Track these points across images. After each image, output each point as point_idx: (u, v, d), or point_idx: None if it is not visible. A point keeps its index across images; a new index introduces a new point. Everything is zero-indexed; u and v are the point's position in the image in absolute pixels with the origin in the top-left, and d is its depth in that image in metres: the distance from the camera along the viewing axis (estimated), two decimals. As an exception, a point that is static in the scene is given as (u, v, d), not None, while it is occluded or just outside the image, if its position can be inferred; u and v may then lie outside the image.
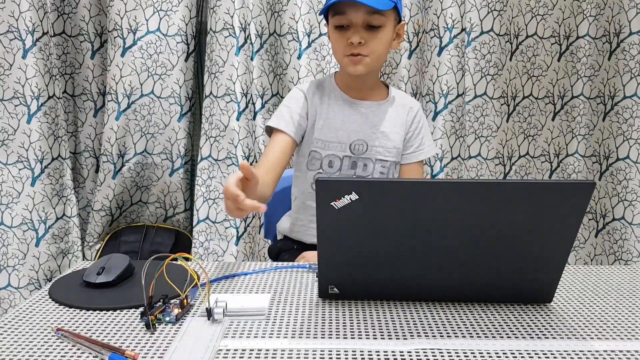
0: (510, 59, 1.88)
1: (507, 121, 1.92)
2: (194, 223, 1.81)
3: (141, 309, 0.80)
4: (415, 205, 0.74)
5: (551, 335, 0.74)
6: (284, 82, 1.85)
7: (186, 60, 1.83)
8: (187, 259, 0.87)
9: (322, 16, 1.25)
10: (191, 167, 1.94)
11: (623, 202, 1.82)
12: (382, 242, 0.78)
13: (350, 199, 0.73)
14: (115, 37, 1.77)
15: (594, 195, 1.93)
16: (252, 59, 1.83)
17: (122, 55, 1.77)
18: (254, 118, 1.86)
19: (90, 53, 1.88)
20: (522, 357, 0.68)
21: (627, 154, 1.80)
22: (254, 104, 1.86)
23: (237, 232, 1.78)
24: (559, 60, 1.92)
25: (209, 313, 0.75)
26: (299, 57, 1.81)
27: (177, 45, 1.80)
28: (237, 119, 1.77)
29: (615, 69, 1.81)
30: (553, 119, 1.96)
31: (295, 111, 1.23)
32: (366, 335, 0.73)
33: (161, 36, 1.78)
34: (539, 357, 0.68)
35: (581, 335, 0.74)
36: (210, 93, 1.80)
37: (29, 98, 1.71)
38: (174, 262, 0.99)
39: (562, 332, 0.75)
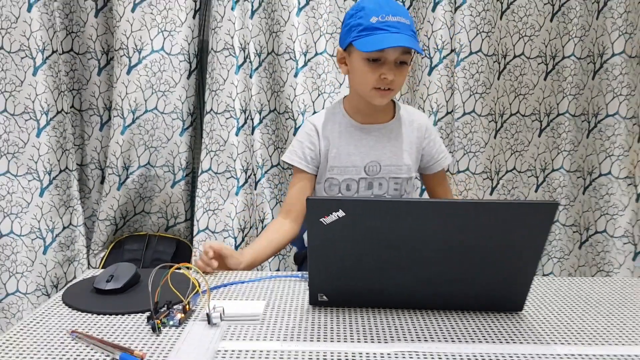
0: (499, 78, 1.97)
1: (495, 137, 2.00)
2: (194, 233, 1.89)
3: (147, 313, 0.88)
4: (396, 222, 0.82)
5: (519, 340, 0.82)
6: (281, 98, 1.94)
7: (188, 77, 1.92)
8: (188, 268, 0.95)
9: (341, 43, 1.28)
10: (192, 180, 2.02)
11: (605, 216, 1.90)
12: (366, 255, 0.86)
13: (337, 215, 0.81)
14: (121, 56, 1.86)
15: (578, 209, 2.01)
16: (250, 77, 1.92)
17: (128, 73, 1.85)
18: (252, 133, 1.94)
19: (97, 70, 1.97)
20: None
21: (609, 170, 1.88)
22: (252, 119, 1.94)
23: (235, 241, 1.86)
24: (545, 79, 2.01)
25: (209, 318, 0.83)
26: (295, 75, 1.90)
27: (180, 64, 1.89)
28: (236, 134, 1.85)
29: (598, 88, 1.90)
30: (539, 136, 2.04)
31: (307, 146, 1.32)
32: (351, 338, 0.81)
33: (165, 55, 1.87)
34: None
35: (546, 340, 0.82)
36: (211, 109, 1.88)
37: (39, 113, 1.79)
38: (177, 270, 1.06)
39: (529, 337, 0.83)
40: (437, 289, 0.90)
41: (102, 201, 1.94)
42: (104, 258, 1.97)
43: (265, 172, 1.99)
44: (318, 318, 0.89)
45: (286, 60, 1.90)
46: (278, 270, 2.02)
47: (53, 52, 1.81)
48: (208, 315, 0.83)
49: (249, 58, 1.90)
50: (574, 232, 2.04)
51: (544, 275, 2.13)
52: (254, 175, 1.95)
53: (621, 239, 1.87)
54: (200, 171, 1.90)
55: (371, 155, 1.29)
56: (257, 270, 1.14)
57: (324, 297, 0.93)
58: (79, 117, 2.01)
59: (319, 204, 0.80)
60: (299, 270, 1.51)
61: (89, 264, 1.99)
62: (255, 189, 1.96)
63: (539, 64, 1.99)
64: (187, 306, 0.89)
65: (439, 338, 0.82)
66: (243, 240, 1.88)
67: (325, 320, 0.88)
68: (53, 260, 1.88)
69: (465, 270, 0.87)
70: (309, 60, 1.91)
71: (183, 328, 0.84)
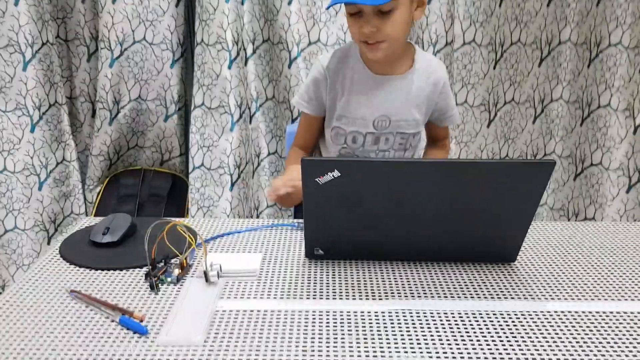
0: (500, 5, 1.89)
1: (494, 68, 1.96)
2: (190, 170, 1.88)
3: (145, 269, 0.89)
4: (390, 182, 0.81)
5: (511, 296, 0.84)
6: (274, 28, 1.87)
7: (177, 5, 1.84)
8: (187, 228, 0.96)
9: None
10: (185, 114, 1.99)
11: (601, 149, 1.90)
12: (361, 212, 0.86)
13: (333, 175, 0.80)
14: (105, -17, 1.77)
15: (575, 141, 2.00)
16: (242, 4, 1.84)
17: (114, 1, 1.77)
18: (245, 65, 1.89)
19: (81, -2, 1.89)
20: (482, 317, 0.78)
21: (608, 102, 1.86)
22: (245, 50, 1.88)
23: (232, 178, 1.86)
24: (548, 5, 1.94)
25: (206, 276, 0.84)
26: (289, 3, 1.82)
27: (167, -9, 1.80)
28: (229, 67, 1.80)
29: (602, 15, 1.84)
30: (539, 65, 2.00)
31: (314, 91, 1.26)
32: (346, 295, 0.83)
33: (151, -19, 1.78)
34: (497, 318, 0.78)
35: (537, 296, 0.84)
36: (202, 41, 1.82)
37: (23, 45, 1.73)
38: (169, 220, 1.07)
39: (521, 292, 0.85)
40: (432, 242, 0.91)
41: (94, 136, 1.92)
42: (100, 193, 1.97)
43: (260, 106, 1.96)
44: (314, 273, 0.90)
45: (279, -13, 1.81)
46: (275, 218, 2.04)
47: (34, -19, 1.72)
48: (205, 273, 0.84)
49: (240, -15, 1.82)
50: (569, 163, 2.05)
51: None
52: (249, 109, 1.92)
53: (616, 172, 1.88)
54: (193, 106, 1.86)
55: (381, 109, 1.23)
56: (253, 218, 1.14)
57: (320, 251, 0.93)
58: (65, 48, 1.94)
59: (314, 165, 0.79)
60: (295, 214, 1.51)
61: (85, 199, 1.99)
62: (250, 123, 1.94)
63: (541, -7, 1.92)
64: (185, 262, 0.89)
65: (432, 294, 0.84)
66: (239, 176, 1.87)
67: (321, 276, 0.89)
68: (49, 196, 1.88)
69: (459, 225, 0.87)
70: (302, -12, 1.82)
71: (181, 285, 0.85)
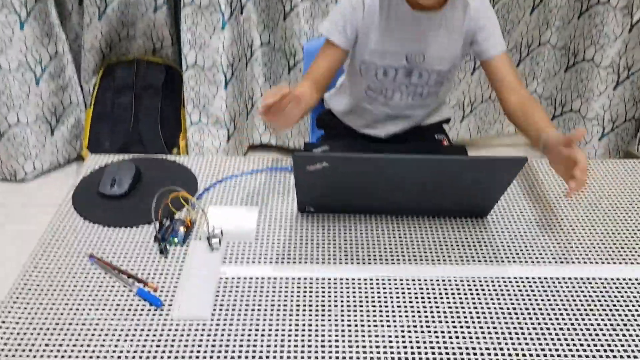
0: None
1: None
2: (183, 69, 1.88)
3: (152, 228, 0.99)
4: (372, 171, 0.90)
5: (477, 259, 0.95)
6: None
7: None
8: (186, 199, 1.02)
9: None
10: (174, 10, 1.93)
11: (595, 45, 1.89)
12: (349, 190, 0.96)
13: (322, 165, 0.87)
14: None
15: (570, 34, 1.98)
16: None
17: None
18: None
19: None
20: (450, 283, 0.90)
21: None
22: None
23: (225, 77, 1.87)
24: None
25: (209, 242, 0.94)
26: None
27: None
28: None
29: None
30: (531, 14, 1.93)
31: (350, 21, 1.19)
32: (334, 259, 0.94)
33: None
34: (463, 284, 0.90)
35: (501, 259, 0.95)
36: None
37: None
38: (173, 162, 1.14)
39: (488, 256, 0.96)
40: (412, 210, 1.02)
41: (85, 32, 1.89)
42: (96, 85, 2.00)
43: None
44: (306, 233, 0.99)
45: None
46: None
47: None
48: (208, 239, 0.94)
49: None
50: (562, 55, 2.05)
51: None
52: (240, 3, 1.87)
53: (606, 69, 1.90)
54: (182, 4, 1.81)
55: (416, 46, 1.20)
56: (249, 162, 1.20)
57: (311, 208, 1.03)
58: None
59: (305, 160, 0.85)
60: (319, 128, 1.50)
61: (82, 90, 2.02)
62: (241, 14, 1.90)
63: None
64: (189, 222, 0.99)
65: (409, 259, 0.95)
66: (233, 74, 1.88)
67: (312, 237, 0.99)
68: (47, 90, 1.91)
69: (435, 201, 0.99)
70: None
71: (187, 247, 0.96)
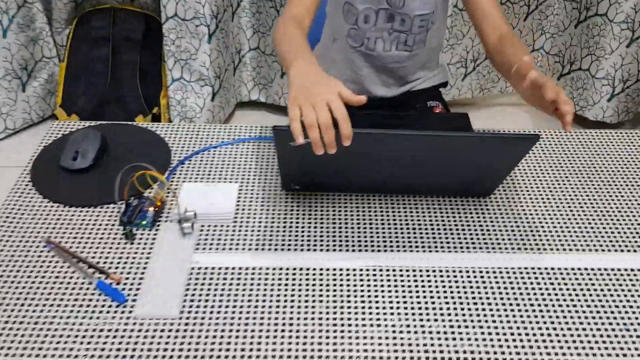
0: None
1: None
2: (162, 20, 1.74)
3: (118, 207, 0.89)
4: (362, 149, 0.79)
5: (479, 246, 0.86)
6: None
7: None
8: (156, 182, 0.91)
9: None
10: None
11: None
12: (337, 167, 0.85)
13: (307, 141, 0.76)
14: None
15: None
16: None
17: None
18: None
19: None
20: (447, 273, 0.80)
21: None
22: None
23: (209, 30, 1.73)
24: None
25: (181, 228, 0.84)
26: None
27: None
28: None
29: None
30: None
31: None
32: (320, 246, 0.84)
33: None
34: (462, 275, 0.80)
35: (505, 247, 0.86)
36: None
37: None
38: (144, 129, 1.03)
39: (491, 243, 0.86)
40: (409, 189, 0.91)
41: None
42: (70, 36, 1.85)
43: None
44: (290, 214, 0.90)
45: None
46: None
47: None
48: (180, 223, 0.84)
49: None
50: (573, 8, 1.90)
51: (533, 51, 2.06)
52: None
53: (620, 25, 1.76)
54: None
55: None
56: (232, 130, 1.09)
57: (296, 186, 0.92)
58: None
59: (287, 135, 0.74)
60: None
61: (55, 42, 1.87)
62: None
63: None
64: (159, 201, 0.89)
65: (398, 246, 0.85)
66: (217, 27, 1.74)
67: (298, 216, 0.89)
68: (16, 43, 1.77)
69: (436, 180, 0.88)
70: None
71: (156, 231, 0.86)
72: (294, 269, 0.81)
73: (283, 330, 0.72)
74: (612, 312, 0.76)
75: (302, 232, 0.87)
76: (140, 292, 0.77)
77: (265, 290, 0.78)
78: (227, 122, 2.04)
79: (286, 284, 0.78)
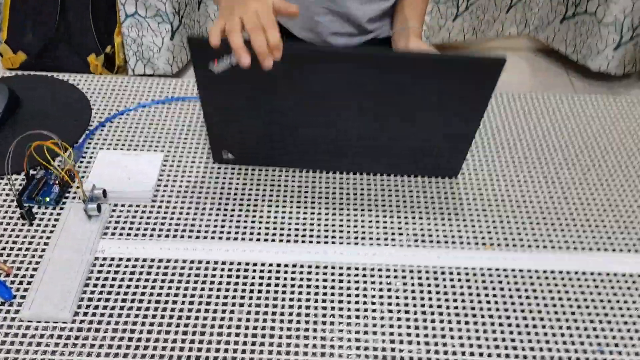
0: None
1: None
2: (122, 19, 1.55)
3: (19, 182, 0.76)
4: (308, 73, 0.66)
5: (453, 242, 0.73)
6: None
7: None
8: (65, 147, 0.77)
9: None
10: None
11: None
12: (272, 110, 0.72)
13: (230, 63, 0.62)
14: None
15: None
16: None
17: None
18: None
19: None
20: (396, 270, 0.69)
21: None
22: None
23: (172, 27, 1.55)
24: None
25: (86, 212, 0.71)
26: None
27: None
28: None
29: None
30: None
31: None
32: (250, 236, 0.72)
33: None
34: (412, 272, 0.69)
35: (470, 243, 0.74)
36: None
37: None
38: (63, 83, 0.89)
39: (452, 238, 0.74)
40: (359, 148, 0.77)
41: None
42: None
43: None
44: (220, 200, 0.77)
45: None
46: None
47: None
48: (85, 208, 0.71)
49: None
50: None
51: None
52: None
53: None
54: None
55: None
56: (167, 86, 0.94)
57: (229, 154, 0.79)
58: None
59: (206, 50, 0.60)
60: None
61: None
62: None
63: None
64: (65, 174, 0.75)
65: (340, 238, 0.73)
66: (180, 23, 1.55)
67: (229, 194, 0.76)
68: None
69: (391, 130, 0.74)
70: None
71: (61, 210, 0.73)
72: (223, 263, 0.69)
73: (202, 342, 0.61)
74: None
75: (235, 216, 0.74)
76: (30, 288, 0.65)
77: (185, 289, 0.66)
78: (190, 63, 1.87)
79: (212, 281, 0.67)
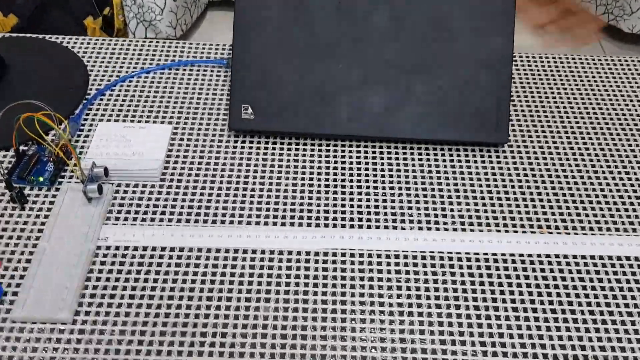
0: None
1: None
2: None
3: (9, 159, 0.67)
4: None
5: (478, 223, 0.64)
6: None
7: None
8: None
9: None
10: None
11: None
12: (305, 59, 0.68)
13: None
14: None
15: None
16: None
17: None
18: None
19: None
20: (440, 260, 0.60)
21: None
22: None
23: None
24: None
25: (86, 195, 0.62)
26: None
27: None
28: None
29: None
30: None
31: None
32: (274, 220, 0.63)
33: None
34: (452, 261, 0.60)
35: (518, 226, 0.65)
36: None
37: None
38: (58, 46, 0.78)
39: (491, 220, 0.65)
40: (394, 111, 0.69)
41: None
42: None
43: None
44: (237, 169, 0.68)
45: None
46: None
47: None
48: (83, 189, 0.62)
49: None
50: None
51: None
52: None
53: None
54: None
55: None
56: (171, 49, 0.84)
57: (250, 110, 0.69)
58: None
59: None
60: None
61: None
62: None
63: None
64: (60, 150, 0.66)
65: (376, 221, 0.64)
66: None
67: (247, 171, 0.67)
68: None
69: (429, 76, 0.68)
70: None
71: (56, 191, 0.64)
72: (235, 251, 0.60)
73: (223, 345, 0.53)
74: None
75: (256, 197, 0.65)
76: (23, 284, 0.56)
77: (202, 282, 0.57)
78: (195, 27, 1.75)
79: (232, 273, 0.58)
